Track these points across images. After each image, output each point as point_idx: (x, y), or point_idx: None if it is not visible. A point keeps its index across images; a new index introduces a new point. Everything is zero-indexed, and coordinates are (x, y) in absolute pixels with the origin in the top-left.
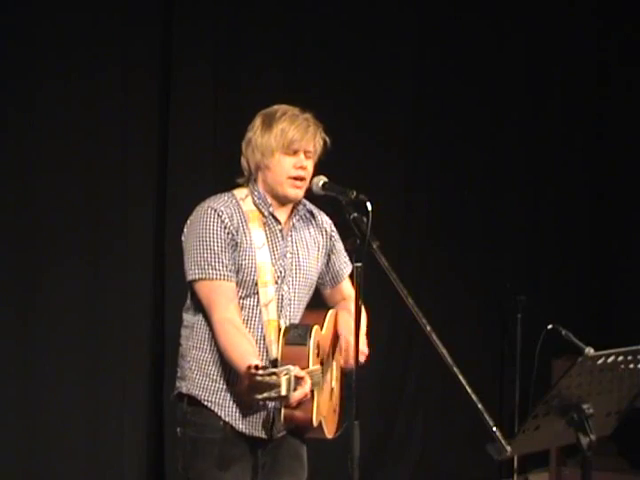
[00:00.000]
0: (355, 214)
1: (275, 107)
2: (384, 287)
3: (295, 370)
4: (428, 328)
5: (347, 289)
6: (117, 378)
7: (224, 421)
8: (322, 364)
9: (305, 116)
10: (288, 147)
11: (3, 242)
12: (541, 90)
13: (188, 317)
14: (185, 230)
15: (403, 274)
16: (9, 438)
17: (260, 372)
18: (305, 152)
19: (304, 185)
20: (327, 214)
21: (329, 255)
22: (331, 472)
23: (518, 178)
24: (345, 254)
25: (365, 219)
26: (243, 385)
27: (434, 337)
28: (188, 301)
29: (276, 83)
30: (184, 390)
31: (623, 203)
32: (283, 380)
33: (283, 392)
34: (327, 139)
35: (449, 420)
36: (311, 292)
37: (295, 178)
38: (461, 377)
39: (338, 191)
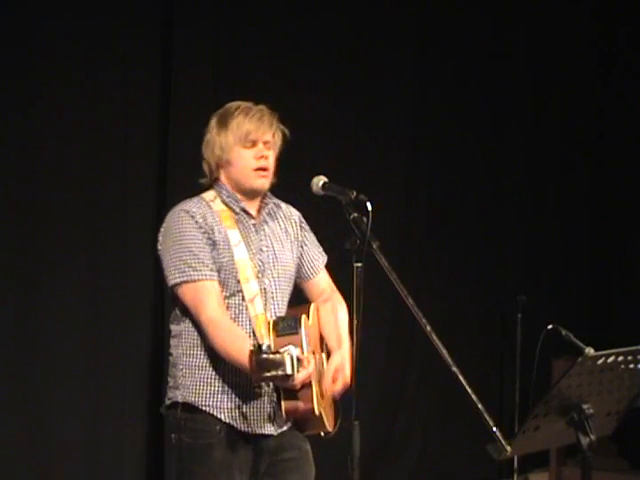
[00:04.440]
0: (355, 214)
1: (228, 105)
2: (384, 287)
3: (297, 351)
4: (428, 328)
5: (325, 281)
6: (117, 379)
7: (223, 423)
8: (314, 354)
9: (259, 107)
10: (246, 139)
11: (3, 242)
12: (542, 90)
13: (174, 327)
14: (160, 238)
15: (403, 274)
16: (9, 438)
17: (264, 349)
18: (264, 142)
19: (269, 175)
20: (327, 214)
21: (302, 247)
22: (331, 472)
23: (518, 178)
24: (318, 245)
25: (365, 219)
26: (250, 366)
27: (434, 337)
28: (173, 312)
29: (276, 83)
30: (179, 399)
31: (623, 203)
32: (287, 358)
33: (288, 370)
34: (285, 130)
35: (449, 420)
36: (291, 286)
37: (259, 169)
38: (461, 377)
39: (338, 191)
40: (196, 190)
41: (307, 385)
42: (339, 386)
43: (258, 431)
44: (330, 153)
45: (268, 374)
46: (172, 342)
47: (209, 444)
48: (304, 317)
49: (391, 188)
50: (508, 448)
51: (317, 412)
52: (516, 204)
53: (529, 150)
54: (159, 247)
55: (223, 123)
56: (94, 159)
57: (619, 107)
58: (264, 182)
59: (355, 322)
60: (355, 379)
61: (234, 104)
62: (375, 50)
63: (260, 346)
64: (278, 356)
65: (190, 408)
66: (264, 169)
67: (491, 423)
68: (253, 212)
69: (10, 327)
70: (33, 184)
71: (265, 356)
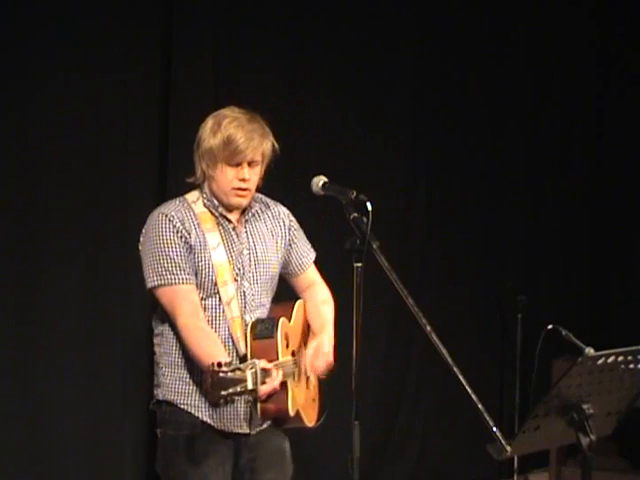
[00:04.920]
0: (355, 214)
1: (227, 112)
2: (384, 287)
3: (261, 363)
4: (428, 328)
5: (313, 276)
6: (117, 378)
7: (201, 421)
8: (293, 355)
9: (252, 127)
10: (231, 159)
11: (3, 242)
12: (541, 90)
13: (158, 325)
14: (141, 239)
15: (403, 274)
16: (9, 438)
17: (223, 368)
18: (249, 163)
19: (249, 194)
20: (327, 214)
21: (290, 245)
22: (331, 472)
23: (518, 178)
24: (307, 242)
25: (365, 219)
26: (206, 384)
27: (434, 337)
28: (156, 310)
29: (276, 83)
30: (160, 397)
31: (623, 203)
32: (249, 374)
33: (250, 386)
34: (276, 145)
35: (449, 420)
36: (275, 283)
37: (238, 189)
38: (461, 377)
39: (338, 191)
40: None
41: (282, 387)
42: (320, 363)
43: (234, 430)
44: (330, 153)
45: (224, 392)
46: (155, 340)
47: (191, 436)
48: (283, 319)
49: (391, 188)
50: (508, 448)
51: (292, 414)
52: (516, 204)
53: (529, 150)
54: (139, 248)
55: (214, 131)
56: (94, 159)
57: (619, 107)
58: (241, 201)
59: (355, 322)
60: (355, 379)
61: (231, 114)
62: (375, 50)
63: (220, 363)
64: (239, 373)
65: (171, 404)
66: (243, 189)
67: (491, 423)
68: (234, 216)
69: (10, 327)
70: (33, 184)
71: (223, 375)
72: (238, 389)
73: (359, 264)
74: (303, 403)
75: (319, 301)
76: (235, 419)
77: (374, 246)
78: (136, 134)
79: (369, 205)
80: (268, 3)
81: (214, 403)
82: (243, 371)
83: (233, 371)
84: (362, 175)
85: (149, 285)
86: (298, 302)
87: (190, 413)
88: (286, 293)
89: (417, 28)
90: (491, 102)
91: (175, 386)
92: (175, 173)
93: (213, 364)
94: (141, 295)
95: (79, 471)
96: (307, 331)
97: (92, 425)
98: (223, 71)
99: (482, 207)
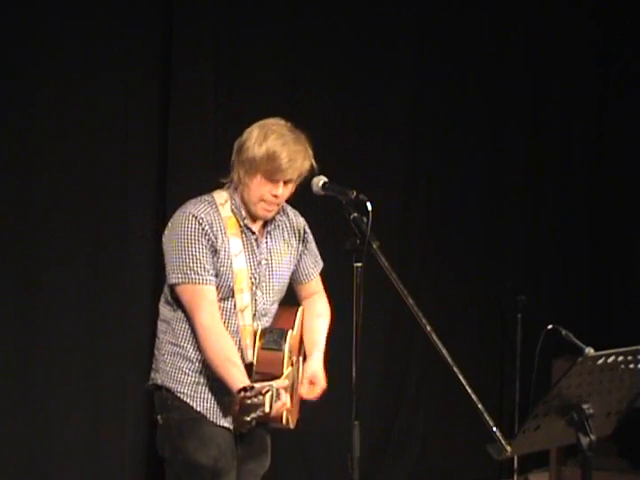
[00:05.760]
0: (355, 214)
1: (275, 126)
2: (384, 287)
3: (277, 384)
4: (428, 328)
5: (316, 287)
6: (117, 378)
7: (196, 410)
8: (292, 364)
9: (297, 148)
10: (270, 174)
11: (3, 242)
12: (542, 90)
13: (166, 312)
14: (166, 232)
15: (403, 274)
16: (9, 438)
17: (248, 394)
18: (285, 181)
19: (276, 208)
20: (327, 214)
21: (300, 255)
22: (331, 472)
23: (518, 178)
24: (317, 254)
25: (365, 219)
26: (234, 409)
27: (434, 337)
28: (166, 297)
29: (276, 83)
30: (159, 382)
31: (623, 203)
32: (267, 398)
33: (266, 409)
34: (314, 165)
35: (449, 420)
36: (283, 293)
37: (268, 202)
38: (461, 377)
39: (338, 191)
40: (196, 191)
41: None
42: (317, 392)
43: (225, 425)
44: (330, 153)
45: (248, 418)
46: (160, 326)
47: (197, 419)
48: (290, 332)
49: (391, 188)
50: (508, 448)
51: (284, 421)
52: (516, 204)
53: (529, 150)
54: (163, 239)
55: (261, 142)
56: (94, 159)
57: (619, 107)
58: (267, 215)
59: (355, 322)
60: (355, 379)
61: (278, 129)
62: (375, 50)
63: (246, 389)
64: (260, 398)
65: (169, 391)
66: (272, 204)
67: (491, 423)
68: (257, 227)
69: (10, 327)
70: (33, 184)
71: (249, 401)
72: (258, 413)
73: (359, 264)
74: (291, 407)
75: (315, 314)
76: (227, 418)
77: (374, 246)
78: (136, 134)
79: (369, 205)
80: (268, 3)
81: (239, 427)
82: (263, 396)
83: (256, 396)
84: (362, 175)
85: (172, 281)
86: (300, 309)
87: (186, 402)
88: (291, 295)
89: (417, 28)
90: (491, 102)
91: (174, 375)
92: (175, 173)
93: (240, 390)
94: (141, 295)
95: (79, 471)
96: (302, 340)
97: (92, 425)
98: (223, 71)
99: (482, 207)
